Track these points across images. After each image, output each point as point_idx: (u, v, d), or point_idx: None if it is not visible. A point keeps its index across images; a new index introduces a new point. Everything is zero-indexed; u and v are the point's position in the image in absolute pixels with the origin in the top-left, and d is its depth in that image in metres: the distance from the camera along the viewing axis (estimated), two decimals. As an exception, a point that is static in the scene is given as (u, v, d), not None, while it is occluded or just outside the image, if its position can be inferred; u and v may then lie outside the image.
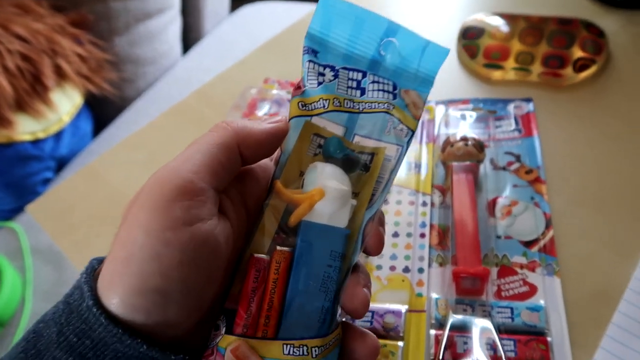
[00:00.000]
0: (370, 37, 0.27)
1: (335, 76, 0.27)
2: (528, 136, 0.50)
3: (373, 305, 0.39)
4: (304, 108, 0.26)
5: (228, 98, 0.59)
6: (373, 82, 0.27)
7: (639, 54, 0.57)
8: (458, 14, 0.66)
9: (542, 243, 0.42)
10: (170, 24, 1.02)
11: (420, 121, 0.49)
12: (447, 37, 0.63)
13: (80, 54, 0.86)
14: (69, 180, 0.58)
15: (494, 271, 0.41)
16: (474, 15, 0.63)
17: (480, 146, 0.46)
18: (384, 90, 0.27)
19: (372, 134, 0.27)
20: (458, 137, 0.47)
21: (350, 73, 0.27)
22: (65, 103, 0.88)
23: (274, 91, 0.58)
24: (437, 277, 0.41)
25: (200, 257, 0.22)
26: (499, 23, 0.60)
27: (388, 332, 0.38)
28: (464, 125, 0.52)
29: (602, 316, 0.37)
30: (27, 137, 0.82)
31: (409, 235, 0.44)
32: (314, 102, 0.26)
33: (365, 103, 0.27)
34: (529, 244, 0.42)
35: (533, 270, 0.40)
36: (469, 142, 0.46)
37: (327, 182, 0.25)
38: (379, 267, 0.43)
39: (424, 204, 0.46)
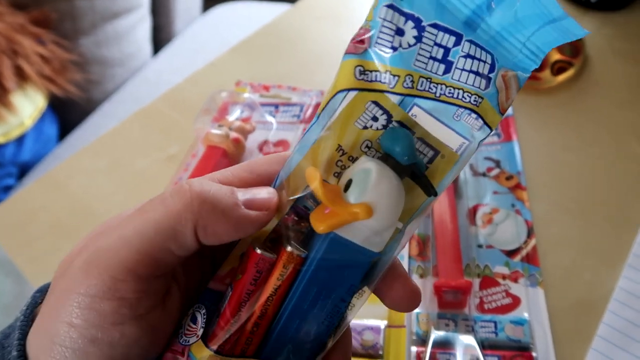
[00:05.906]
0: None
1: (418, 39, 0.19)
2: (507, 141, 0.49)
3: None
4: (362, 77, 0.19)
5: (198, 101, 0.57)
6: (467, 55, 0.19)
7: (615, 55, 0.57)
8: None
9: (524, 252, 0.41)
10: (139, 23, 0.99)
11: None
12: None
13: (42, 55, 0.82)
14: (27, 190, 0.54)
15: (476, 282, 0.39)
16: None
17: (459, 152, 0.45)
18: (476, 73, 0.19)
19: (435, 111, 0.19)
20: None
21: (440, 35, 0.19)
22: (28, 106, 0.83)
23: (246, 94, 0.56)
24: (417, 290, 0.40)
25: (134, 350, 0.19)
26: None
27: (367, 350, 0.36)
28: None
29: (587, 328, 0.36)
30: (-15, 142, 0.78)
31: (387, 245, 0.42)
32: (376, 72, 0.19)
33: (447, 87, 0.19)
34: (511, 253, 0.41)
35: (516, 280, 0.39)
36: (449, 148, 0.44)
37: (380, 200, 0.18)
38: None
39: (403, 212, 0.44)
